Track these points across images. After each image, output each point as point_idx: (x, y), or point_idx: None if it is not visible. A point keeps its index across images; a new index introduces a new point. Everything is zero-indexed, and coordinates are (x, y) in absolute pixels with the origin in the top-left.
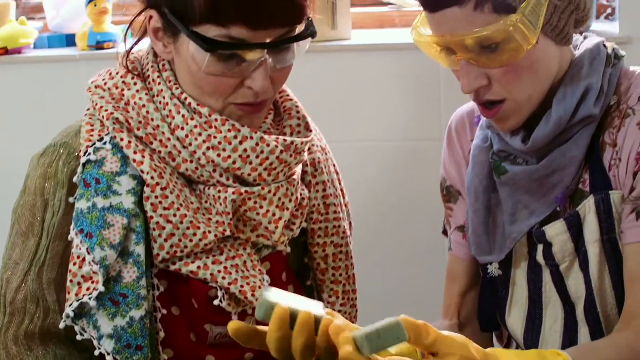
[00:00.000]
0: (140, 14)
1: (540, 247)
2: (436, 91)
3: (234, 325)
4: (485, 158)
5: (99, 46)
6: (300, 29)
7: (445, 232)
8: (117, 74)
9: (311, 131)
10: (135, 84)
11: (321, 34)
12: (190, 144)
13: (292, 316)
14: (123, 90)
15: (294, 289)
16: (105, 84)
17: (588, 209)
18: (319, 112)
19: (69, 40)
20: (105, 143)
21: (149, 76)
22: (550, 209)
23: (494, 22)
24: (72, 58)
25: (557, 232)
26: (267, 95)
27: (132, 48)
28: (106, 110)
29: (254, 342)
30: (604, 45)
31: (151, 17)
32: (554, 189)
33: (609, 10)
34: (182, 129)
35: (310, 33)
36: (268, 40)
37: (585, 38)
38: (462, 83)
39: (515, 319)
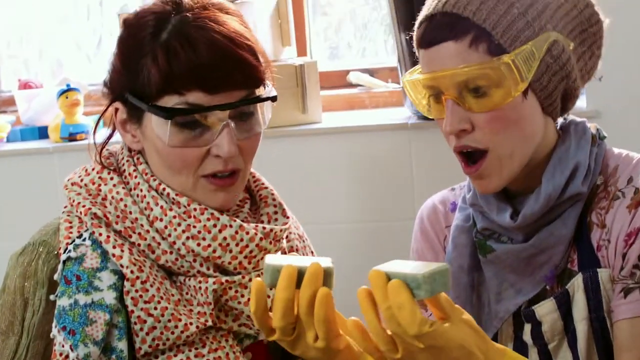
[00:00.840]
0: (107, 108)
1: (527, 327)
2: (408, 171)
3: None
4: (468, 238)
5: (72, 138)
6: (259, 92)
7: None
8: (93, 169)
9: (288, 218)
10: (112, 178)
11: (292, 118)
12: (170, 235)
13: (300, 275)
14: (100, 185)
15: None
16: (82, 180)
17: (576, 286)
18: (291, 196)
19: (42, 133)
20: (84, 239)
21: (124, 170)
22: (537, 288)
23: (486, 63)
24: (45, 150)
25: (547, 311)
26: (236, 163)
27: (104, 145)
28: (83, 206)
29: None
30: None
31: (117, 110)
32: (541, 267)
33: None
34: (161, 220)
35: (270, 97)
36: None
37: (565, 120)
38: (445, 122)
39: None
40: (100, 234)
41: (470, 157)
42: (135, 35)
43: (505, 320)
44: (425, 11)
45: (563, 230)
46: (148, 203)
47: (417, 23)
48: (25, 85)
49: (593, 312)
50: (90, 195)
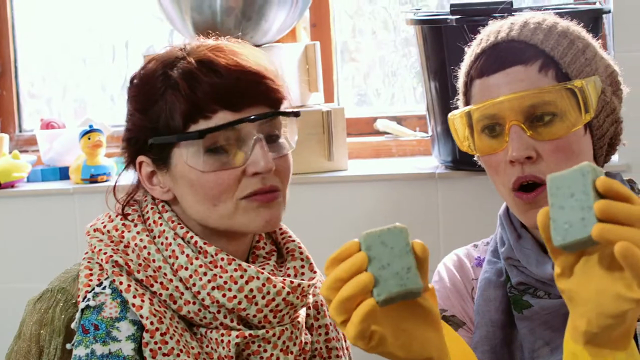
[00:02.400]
0: (128, 164)
1: None
2: (435, 221)
3: None
4: (500, 292)
5: (93, 179)
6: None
7: None
8: (117, 216)
9: (315, 272)
10: (136, 225)
11: (317, 165)
12: (194, 284)
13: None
14: (123, 232)
15: None
16: (105, 226)
17: None
18: (316, 244)
19: (63, 173)
20: (104, 287)
21: (148, 217)
22: None
23: (559, 85)
24: (66, 191)
25: None
26: (274, 181)
27: (127, 201)
28: (105, 253)
29: None
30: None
31: (141, 164)
32: None
33: None
34: (186, 268)
35: (293, 112)
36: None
37: None
38: (512, 147)
39: None
40: (121, 283)
41: (525, 189)
42: (146, 82)
43: None
44: (484, 44)
45: None
46: (173, 251)
47: (472, 55)
48: (47, 125)
49: None
50: (112, 242)
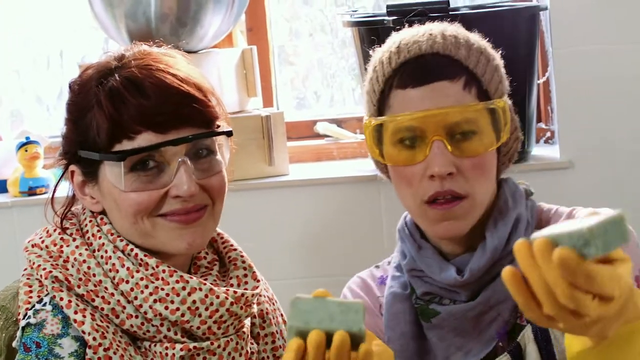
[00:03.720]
0: (63, 175)
1: None
2: (378, 224)
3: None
4: (406, 305)
5: (32, 192)
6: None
7: None
8: (55, 230)
9: (259, 281)
10: (74, 239)
11: (258, 170)
12: (136, 297)
13: (328, 335)
14: (61, 246)
15: None
16: (43, 241)
17: (527, 339)
18: (257, 250)
19: (0, 187)
20: (44, 304)
21: (87, 231)
22: (488, 347)
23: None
24: (4, 205)
25: None
26: (199, 199)
27: (65, 213)
28: (44, 269)
29: None
30: None
31: (73, 173)
32: (489, 325)
33: (548, 134)
34: (127, 282)
35: (224, 131)
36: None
37: None
38: (434, 163)
39: None
40: (62, 299)
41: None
42: (81, 91)
43: None
44: (404, 53)
45: None
46: (114, 264)
47: (392, 64)
48: None
49: None
50: (51, 257)
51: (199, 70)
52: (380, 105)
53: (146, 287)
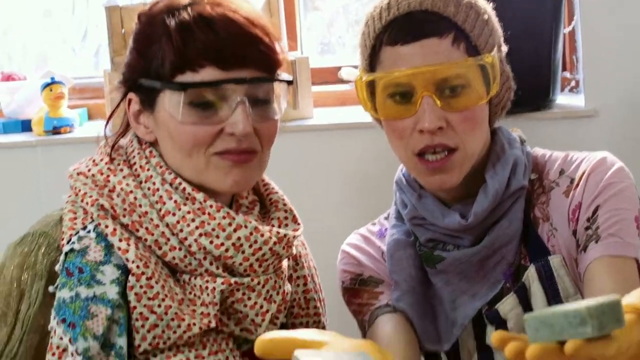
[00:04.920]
0: (121, 101)
1: (491, 329)
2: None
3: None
4: (410, 251)
5: (56, 131)
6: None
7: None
8: (102, 160)
9: (299, 224)
10: (122, 170)
11: (283, 113)
12: (182, 230)
13: None
14: (108, 176)
15: None
16: (89, 170)
17: (531, 278)
18: (283, 191)
19: (25, 126)
20: (88, 231)
21: (134, 163)
22: (494, 289)
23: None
24: (29, 143)
25: (510, 307)
26: (251, 143)
27: (116, 140)
28: (90, 197)
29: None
30: None
31: (130, 102)
32: (494, 268)
33: (573, 83)
34: (174, 214)
35: (287, 80)
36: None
37: None
38: (424, 118)
39: None
40: (107, 227)
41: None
42: (149, 22)
43: (464, 330)
44: (394, 11)
45: (512, 226)
46: (161, 197)
47: (382, 21)
48: (8, 78)
49: (552, 300)
50: (97, 186)
51: (268, 17)
52: (372, 60)
53: (192, 220)
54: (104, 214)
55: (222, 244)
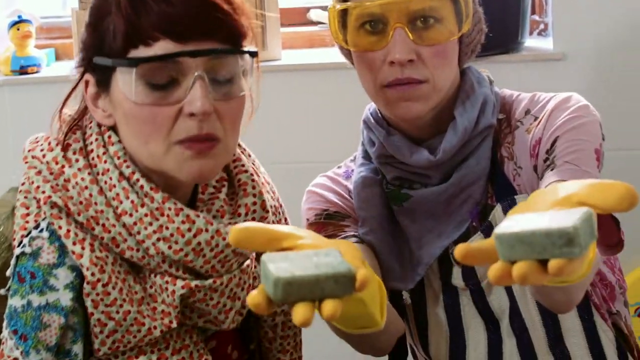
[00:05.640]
0: (77, 83)
1: (457, 270)
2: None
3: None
4: (377, 190)
5: (23, 71)
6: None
7: None
8: (57, 144)
9: (267, 211)
10: (77, 160)
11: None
12: (139, 232)
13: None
14: (63, 166)
15: (238, 354)
16: (44, 156)
17: (498, 217)
18: (251, 134)
19: None
20: (41, 230)
21: (92, 150)
22: (460, 228)
23: None
24: None
25: None
26: (213, 127)
27: (70, 127)
28: (43, 192)
29: None
30: None
31: (87, 84)
32: (461, 206)
33: (542, 26)
34: (131, 215)
35: (249, 50)
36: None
37: None
38: (395, 50)
39: (437, 348)
40: (60, 227)
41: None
42: None
43: (430, 269)
44: None
45: (479, 165)
46: (117, 194)
47: None
48: None
49: None
50: (51, 174)
51: None
52: None
53: (150, 224)
54: (57, 213)
55: (182, 250)
